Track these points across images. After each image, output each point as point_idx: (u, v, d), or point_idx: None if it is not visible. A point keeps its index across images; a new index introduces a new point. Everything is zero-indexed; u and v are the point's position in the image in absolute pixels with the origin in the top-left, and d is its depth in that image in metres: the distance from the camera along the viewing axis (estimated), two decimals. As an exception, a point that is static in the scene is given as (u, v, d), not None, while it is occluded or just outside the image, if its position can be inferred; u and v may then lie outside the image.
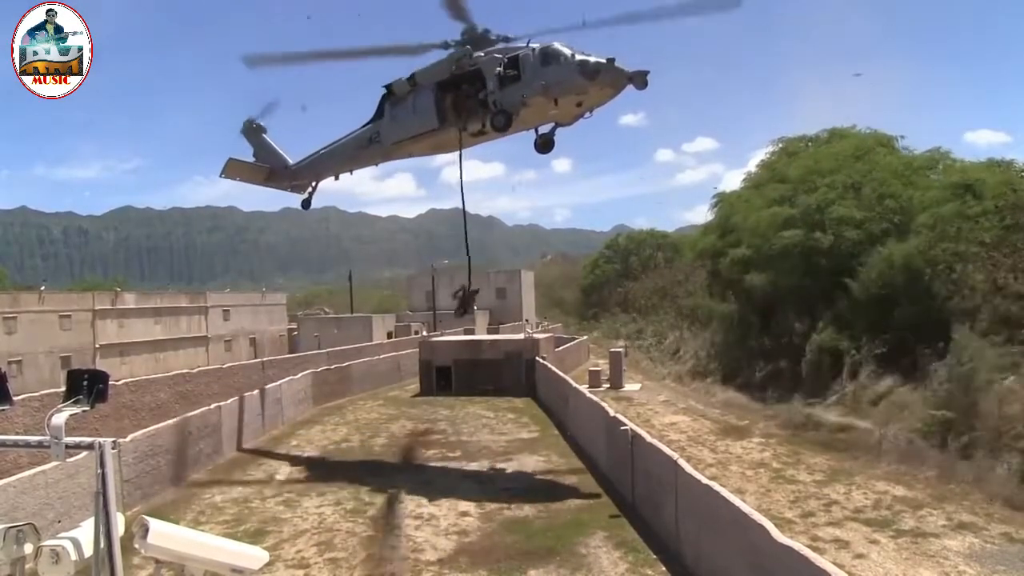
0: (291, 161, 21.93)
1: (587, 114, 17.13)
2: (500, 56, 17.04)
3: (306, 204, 22.51)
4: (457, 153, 18.81)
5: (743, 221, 31.50)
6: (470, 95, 17.55)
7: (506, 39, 17.47)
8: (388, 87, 18.99)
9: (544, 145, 18.27)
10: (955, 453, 16.71)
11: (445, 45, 17.55)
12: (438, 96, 17.97)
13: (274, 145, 22.24)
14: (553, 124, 17.92)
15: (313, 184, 22.00)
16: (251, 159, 22.19)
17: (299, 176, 21.91)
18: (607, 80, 15.96)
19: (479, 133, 18.07)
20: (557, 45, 16.45)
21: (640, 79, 15.70)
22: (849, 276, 24.81)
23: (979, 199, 23.06)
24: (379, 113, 19.41)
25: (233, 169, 21.55)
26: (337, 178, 21.63)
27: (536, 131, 18.14)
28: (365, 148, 19.88)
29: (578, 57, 16.06)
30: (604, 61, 15.79)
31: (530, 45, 16.86)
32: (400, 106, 18.81)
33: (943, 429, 17.69)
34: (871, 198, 26.22)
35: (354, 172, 21.30)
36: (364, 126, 19.89)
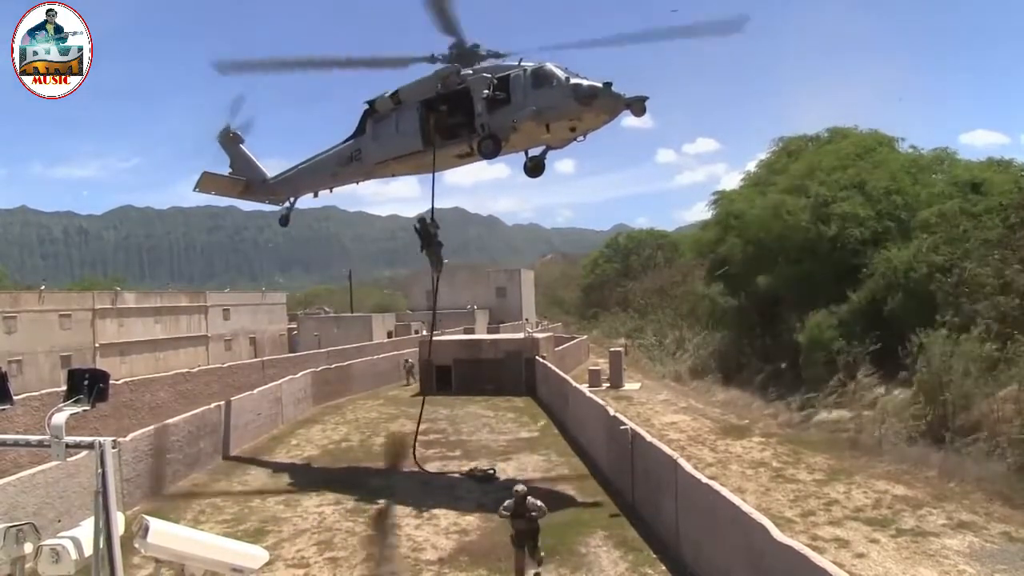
0: (269, 174, 21.09)
1: (580, 138, 15.96)
2: (489, 76, 15.94)
3: (284, 221, 21.32)
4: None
5: (748, 209, 31.41)
6: (457, 116, 16.51)
7: (496, 55, 16.42)
8: (371, 103, 18.00)
9: (534, 169, 17.35)
10: (954, 452, 16.72)
11: (432, 59, 16.51)
12: (423, 116, 16.92)
13: (251, 156, 21.30)
14: (544, 147, 16.99)
15: (291, 200, 21.06)
16: (228, 170, 21.31)
17: (276, 191, 21.01)
18: (603, 106, 14.83)
19: (465, 155, 17.05)
20: (550, 66, 15.34)
21: (638, 106, 14.53)
22: (852, 274, 24.80)
23: (982, 196, 23.09)
24: (360, 129, 18.44)
25: (208, 182, 20.61)
26: (316, 195, 20.66)
27: (526, 153, 17.21)
28: (346, 166, 18.89)
29: (572, 80, 14.92)
30: (600, 86, 14.67)
31: (521, 65, 15.78)
32: (383, 124, 17.82)
33: (940, 428, 17.71)
34: (879, 192, 26.25)
35: (334, 190, 20.26)
36: (344, 142, 18.90)
